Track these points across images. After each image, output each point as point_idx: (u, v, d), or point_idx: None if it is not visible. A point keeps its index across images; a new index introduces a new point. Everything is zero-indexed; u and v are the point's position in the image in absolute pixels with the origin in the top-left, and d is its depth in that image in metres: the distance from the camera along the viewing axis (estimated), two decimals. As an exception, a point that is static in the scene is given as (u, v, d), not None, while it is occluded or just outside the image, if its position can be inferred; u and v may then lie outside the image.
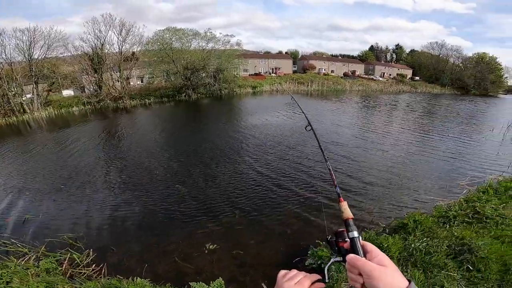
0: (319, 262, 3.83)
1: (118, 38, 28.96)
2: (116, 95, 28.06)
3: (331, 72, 59.05)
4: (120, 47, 29.47)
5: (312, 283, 0.72)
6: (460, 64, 64.50)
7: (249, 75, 47.76)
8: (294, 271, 0.74)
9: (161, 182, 7.70)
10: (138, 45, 30.97)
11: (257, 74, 49.57)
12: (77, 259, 4.33)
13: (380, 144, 11.40)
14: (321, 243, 4.41)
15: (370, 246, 0.68)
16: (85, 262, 4.30)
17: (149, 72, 34.03)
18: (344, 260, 0.69)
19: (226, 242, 4.90)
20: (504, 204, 5.09)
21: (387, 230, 4.92)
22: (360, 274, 0.64)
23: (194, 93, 31.90)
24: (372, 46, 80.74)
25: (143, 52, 32.31)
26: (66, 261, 4.22)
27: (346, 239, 0.73)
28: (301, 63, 61.11)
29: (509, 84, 76.31)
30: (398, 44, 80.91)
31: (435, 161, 9.63)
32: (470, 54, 67.40)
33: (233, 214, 5.88)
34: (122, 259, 4.56)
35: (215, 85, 32.63)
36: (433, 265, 3.30)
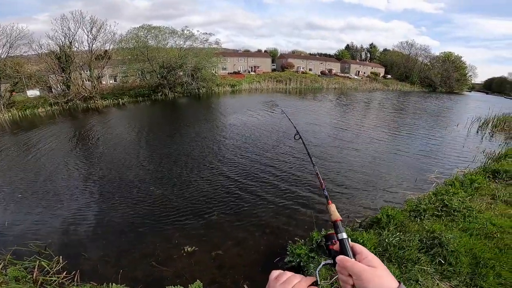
0: (297, 260, 3.82)
1: (88, 36, 27.42)
2: (86, 95, 26.53)
3: (309, 70, 60.18)
4: (91, 45, 27.92)
5: (308, 286, 0.67)
6: (428, 63, 68.49)
7: (228, 73, 47.32)
8: (288, 274, 0.69)
9: (134, 185, 7.36)
10: (111, 43, 29.52)
11: (236, 73, 49.22)
12: (46, 266, 4.10)
13: (353, 143, 11.68)
14: (299, 240, 4.43)
15: (359, 247, 0.68)
16: (55, 269, 4.08)
17: (122, 70, 32.56)
18: (335, 263, 0.68)
19: (205, 244, 4.80)
20: (470, 197, 5.34)
21: (362, 225, 5.03)
22: (350, 276, 0.63)
23: (171, 92, 31.03)
24: (347, 45, 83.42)
25: (116, 50, 30.83)
26: (36, 268, 3.98)
27: (335, 241, 0.73)
28: (280, 61, 61.65)
29: (472, 82, 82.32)
30: (372, 44, 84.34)
31: (405, 156, 10.07)
32: (437, 53, 71.97)
33: (212, 215, 5.76)
34: (95, 265, 4.36)
35: (192, 83, 31.94)
36: (407, 260, 3.36)
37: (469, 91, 75.50)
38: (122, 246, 4.88)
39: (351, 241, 0.70)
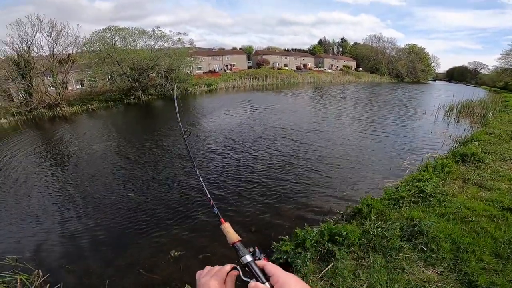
0: (285, 257, 3.76)
1: (48, 40, 25.44)
2: (51, 102, 24.70)
3: (285, 66, 60.81)
4: (52, 49, 25.95)
5: (228, 272, 0.67)
6: (395, 55, 72.02)
7: (203, 73, 46.48)
8: (208, 267, 0.71)
9: (111, 193, 6.97)
10: (74, 46, 27.66)
11: (212, 72, 48.50)
12: (26, 281, 3.86)
13: (331, 136, 11.90)
14: (284, 237, 4.38)
15: (271, 269, 0.60)
16: (37, 283, 3.87)
17: (89, 75, 30.71)
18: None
19: (191, 247, 4.68)
20: (443, 181, 5.56)
21: (344, 217, 5.06)
22: None
23: (144, 95, 29.80)
24: (320, 40, 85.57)
25: (81, 54, 29.00)
26: (19, 282, 3.81)
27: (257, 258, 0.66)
28: (255, 58, 61.64)
29: (436, 72, 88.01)
30: (343, 38, 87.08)
31: (379, 145, 10.42)
32: (402, 46, 75.92)
33: (194, 218, 5.59)
34: (80, 277, 4.17)
35: (166, 85, 30.92)
36: (391, 249, 3.39)
37: (434, 80, 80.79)
38: (106, 256, 4.67)
39: (278, 266, 0.61)
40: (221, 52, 59.85)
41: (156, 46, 30.80)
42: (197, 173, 0.95)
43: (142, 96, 29.45)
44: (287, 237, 4.34)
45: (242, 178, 7.47)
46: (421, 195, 4.94)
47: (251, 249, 0.70)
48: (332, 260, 3.33)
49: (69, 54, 27.98)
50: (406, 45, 75.54)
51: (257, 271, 0.61)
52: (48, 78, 26.29)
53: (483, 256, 3.18)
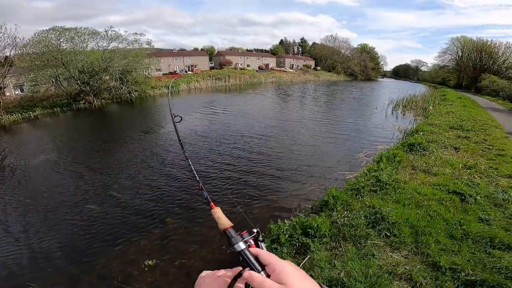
0: None
1: (-20, 41, 21.97)
2: (-17, 111, 21.43)
3: (247, 66, 61.18)
4: (-15, 51, 22.50)
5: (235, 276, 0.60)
6: (349, 55, 77.27)
7: (163, 74, 44.48)
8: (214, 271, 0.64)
9: (69, 207, 6.37)
10: (12, 48, 24.34)
11: (172, 73, 46.67)
12: None
13: (294, 134, 12.26)
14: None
15: (266, 257, 0.56)
16: None
17: (30, 79, 27.27)
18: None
19: (166, 254, 4.49)
20: (395, 170, 6.10)
21: (313, 209, 5.22)
22: None
23: (97, 99, 27.42)
24: (281, 40, 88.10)
25: (21, 56, 25.61)
26: None
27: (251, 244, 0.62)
28: (217, 59, 60.95)
29: (384, 69, 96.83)
30: (303, 38, 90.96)
31: (338, 140, 11.12)
32: (356, 45, 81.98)
33: (165, 223, 5.39)
34: None
35: (122, 88, 28.90)
36: (359, 237, 3.59)
37: (382, 78, 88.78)
38: (74, 272, 4.31)
39: (273, 253, 0.58)
40: (182, 53, 57.94)
41: (110, 47, 28.59)
42: (186, 155, 0.96)
43: (94, 101, 27.07)
44: (264, 233, 4.42)
45: (212, 180, 7.36)
46: (378, 184, 5.31)
47: (255, 230, 0.66)
48: (307, 253, 3.46)
49: (6, 56, 24.58)
50: (359, 44, 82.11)
51: (252, 259, 0.57)
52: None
53: (439, 238, 3.51)
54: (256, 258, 0.57)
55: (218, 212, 0.71)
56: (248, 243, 0.62)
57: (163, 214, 5.75)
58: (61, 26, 26.08)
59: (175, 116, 1.22)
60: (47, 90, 27.74)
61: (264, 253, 0.57)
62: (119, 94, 28.98)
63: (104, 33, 28.34)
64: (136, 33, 30.44)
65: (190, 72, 49.44)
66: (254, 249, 0.60)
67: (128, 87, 29.42)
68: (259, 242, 0.65)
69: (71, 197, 6.95)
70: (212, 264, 4.22)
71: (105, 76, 28.66)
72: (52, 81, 27.54)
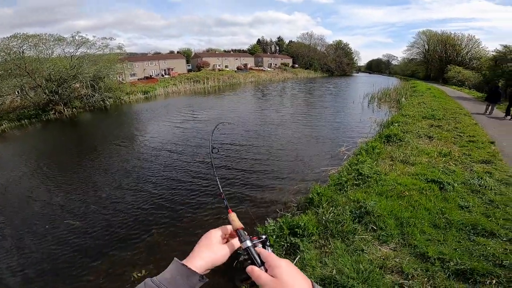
0: None
1: None
2: None
3: (225, 67, 60.77)
4: None
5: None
6: (325, 51, 79.16)
7: (138, 79, 42.95)
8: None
9: (45, 224, 5.95)
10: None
11: (148, 78, 45.22)
12: None
13: (276, 132, 12.30)
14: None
15: (265, 255, 0.67)
16: None
17: (-9, 90, 25.22)
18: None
19: (154, 264, 4.33)
20: (375, 162, 6.18)
21: (299, 208, 5.17)
22: None
23: (68, 108, 25.93)
24: (259, 39, 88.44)
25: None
26: None
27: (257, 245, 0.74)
28: (195, 61, 60.03)
29: (358, 64, 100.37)
30: (279, 37, 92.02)
31: (319, 137, 11.24)
32: (331, 42, 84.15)
33: (149, 235, 5.17)
34: None
35: (95, 95, 27.55)
36: (347, 232, 3.56)
37: (357, 73, 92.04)
38: None
39: (274, 254, 0.68)
40: (157, 56, 56.37)
41: (78, 53, 27.15)
42: (216, 178, 1.16)
43: (64, 110, 25.57)
44: (250, 236, 4.31)
45: (195, 187, 7.16)
46: (360, 177, 5.35)
47: (263, 236, 0.79)
48: (297, 253, 3.40)
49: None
50: (334, 41, 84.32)
51: (255, 255, 0.68)
52: None
53: (424, 228, 3.54)
54: (259, 255, 0.68)
55: (233, 216, 0.84)
56: (255, 244, 0.73)
57: (148, 226, 5.50)
58: (24, 33, 24.42)
59: (213, 148, 1.40)
60: (13, 101, 25.83)
61: (264, 252, 0.68)
62: (92, 102, 27.58)
63: (71, 38, 26.90)
64: (105, 38, 29.16)
65: (167, 76, 48.23)
66: (257, 248, 0.71)
67: (101, 94, 28.08)
68: (266, 247, 0.75)
69: (47, 215, 6.44)
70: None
71: (75, 83, 27.16)
72: (18, 92, 25.70)
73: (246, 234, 0.77)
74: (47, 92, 24.86)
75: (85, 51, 27.64)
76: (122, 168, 9.17)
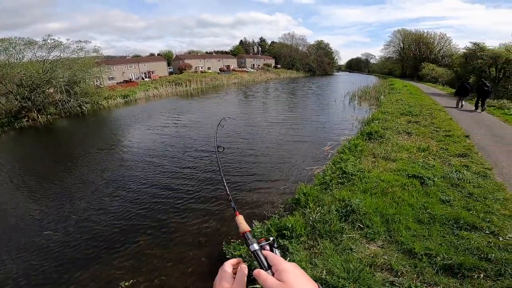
0: None
1: None
2: None
3: (208, 69, 60.20)
4: None
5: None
6: (306, 51, 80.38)
7: (117, 83, 41.50)
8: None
9: (25, 235, 5.64)
10: None
11: (128, 81, 43.84)
12: None
13: (261, 133, 12.28)
14: (235, 241, 4.27)
15: (272, 258, 0.66)
16: None
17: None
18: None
19: (142, 274, 4.16)
20: (358, 159, 6.27)
21: (287, 209, 5.12)
22: None
23: (42, 115, 24.60)
24: (241, 40, 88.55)
25: None
26: None
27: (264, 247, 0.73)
28: (176, 63, 58.96)
29: (339, 63, 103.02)
30: (262, 37, 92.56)
31: (303, 136, 11.28)
32: (312, 42, 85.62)
33: (137, 243, 4.98)
34: None
35: (70, 101, 26.30)
36: (335, 232, 3.57)
37: (338, 72, 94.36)
38: None
39: (280, 256, 0.67)
40: (137, 59, 54.72)
41: (50, 57, 25.81)
42: (224, 182, 1.12)
43: (38, 117, 24.22)
44: (238, 240, 4.24)
45: (180, 194, 6.97)
46: (345, 175, 5.40)
47: (271, 238, 0.76)
48: (287, 255, 3.37)
49: None
50: (315, 41, 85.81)
51: (262, 259, 0.66)
52: None
53: (409, 224, 3.61)
54: (266, 258, 0.66)
55: (240, 219, 0.84)
56: (263, 246, 0.72)
57: (135, 234, 5.29)
58: (-9, 38, 22.93)
59: (218, 147, 1.41)
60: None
61: (271, 255, 0.67)
62: (68, 108, 26.31)
63: (43, 42, 25.54)
64: (80, 41, 27.96)
65: (147, 79, 47.02)
66: (264, 251, 0.69)
67: (77, 100, 26.85)
68: (273, 249, 0.73)
69: (24, 228, 6.02)
70: (194, 278, 4.00)
71: (48, 89, 25.80)
72: (-14, 99, 24.03)
73: (257, 239, 0.76)
74: (18, 98, 23.43)
75: (58, 54, 26.34)
76: (101, 176, 8.77)
